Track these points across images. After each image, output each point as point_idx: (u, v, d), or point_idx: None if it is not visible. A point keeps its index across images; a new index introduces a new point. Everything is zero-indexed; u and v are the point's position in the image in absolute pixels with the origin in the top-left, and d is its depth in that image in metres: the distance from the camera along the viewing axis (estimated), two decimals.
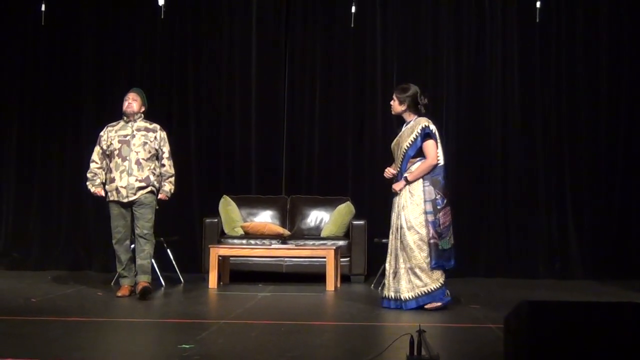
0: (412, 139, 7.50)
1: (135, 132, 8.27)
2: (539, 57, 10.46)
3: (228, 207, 10.15)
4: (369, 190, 10.41)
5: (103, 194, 8.32)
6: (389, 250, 7.55)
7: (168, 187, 8.43)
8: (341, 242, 9.64)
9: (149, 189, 8.24)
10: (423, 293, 7.36)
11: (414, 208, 7.39)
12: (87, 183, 8.40)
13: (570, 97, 10.43)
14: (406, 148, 7.51)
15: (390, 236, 7.54)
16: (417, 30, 10.64)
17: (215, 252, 9.09)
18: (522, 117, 10.47)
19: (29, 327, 6.40)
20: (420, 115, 7.64)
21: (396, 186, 7.51)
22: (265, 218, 10.28)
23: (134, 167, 8.18)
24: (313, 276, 9.34)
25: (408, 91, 7.66)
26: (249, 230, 9.86)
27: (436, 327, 6.43)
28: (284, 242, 9.54)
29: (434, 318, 6.93)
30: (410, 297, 7.35)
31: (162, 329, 6.70)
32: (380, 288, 7.99)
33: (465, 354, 5.63)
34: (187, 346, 5.55)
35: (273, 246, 9.37)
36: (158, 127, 8.43)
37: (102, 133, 8.40)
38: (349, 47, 10.68)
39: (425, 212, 7.39)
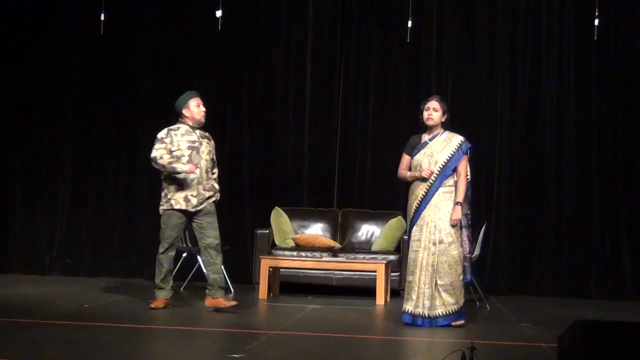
0: (451, 153, 7.40)
1: (201, 140, 8.02)
2: (595, 74, 10.35)
3: (280, 219, 10.18)
4: None
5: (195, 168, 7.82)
6: (419, 266, 7.27)
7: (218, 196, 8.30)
8: (392, 257, 9.61)
9: (214, 197, 8.04)
10: (454, 311, 7.28)
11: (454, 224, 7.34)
12: (174, 167, 7.76)
13: (627, 116, 10.30)
14: (445, 162, 7.37)
15: (423, 252, 7.27)
16: (473, 45, 10.59)
17: (266, 263, 9.12)
18: (577, 134, 10.36)
19: (81, 333, 6.47)
20: (445, 129, 7.57)
21: (457, 216, 7.28)
22: (317, 230, 10.29)
23: (204, 175, 7.93)
24: (363, 290, 9.32)
25: (446, 103, 7.62)
26: (300, 242, 9.87)
27: (487, 345, 6.37)
28: (334, 255, 9.54)
29: (483, 335, 6.87)
30: (442, 314, 7.24)
31: (212, 338, 6.72)
32: (404, 304, 7.42)
33: None
34: (237, 356, 5.56)
35: (324, 259, 9.37)
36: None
37: (163, 135, 7.93)
38: (404, 61, 10.67)
39: (461, 227, 7.35)
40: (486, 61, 10.54)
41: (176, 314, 7.79)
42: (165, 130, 7.98)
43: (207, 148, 8.02)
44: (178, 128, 8.00)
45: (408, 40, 10.31)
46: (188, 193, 7.84)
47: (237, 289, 9.53)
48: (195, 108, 8.02)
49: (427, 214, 7.34)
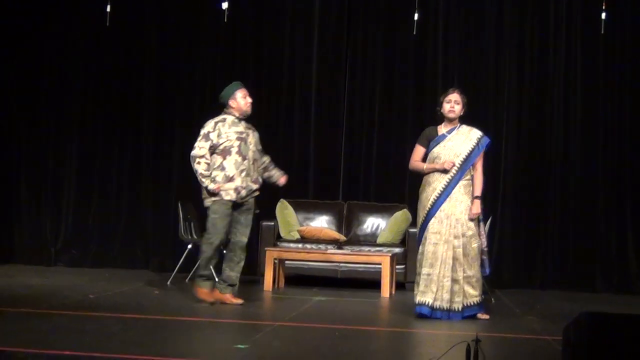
0: (472, 147, 7.39)
1: (247, 130, 7.88)
2: (602, 68, 10.33)
3: (285, 211, 10.19)
4: None
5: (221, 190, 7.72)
6: (439, 259, 7.22)
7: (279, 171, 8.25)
8: (397, 249, 9.61)
9: (257, 192, 7.97)
10: (475, 303, 7.29)
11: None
12: (204, 180, 7.68)
13: (634, 110, 10.28)
14: (467, 155, 7.35)
15: (444, 245, 7.24)
16: (479, 39, 10.58)
17: (271, 255, 9.13)
18: (583, 128, 10.34)
19: (87, 323, 6.48)
20: (461, 122, 7.55)
21: (477, 210, 7.31)
22: (322, 223, 10.29)
23: (252, 167, 7.84)
24: (368, 282, 9.33)
25: (466, 96, 7.60)
26: (305, 234, 9.88)
27: (492, 338, 6.37)
28: (339, 248, 9.54)
29: (488, 328, 6.86)
30: (462, 308, 7.24)
31: (218, 328, 6.73)
32: (421, 296, 7.30)
33: None
34: (243, 346, 5.57)
35: (329, 251, 9.37)
36: None
37: (209, 128, 7.74)
38: (411, 54, 10.66)
39: (479, 221, 7.37)
40: (493, 54, 10.52)
41: (181, 305, 7.79)
42: (212, 124, 7.79)
43: (253, 139, 7.91)
44: (224, 119, 7.82)
45: (414, 33, 10.30)
46: (238, 184, 7.72)
47: (242, 281, 9.49)
48: (241, 99, 7.86)
49: (447, 207, 7.28)
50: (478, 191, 7.38)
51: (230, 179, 7.70)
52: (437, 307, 7.22)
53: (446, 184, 7.32)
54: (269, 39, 10.90)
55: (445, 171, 7.32)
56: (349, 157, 10.76)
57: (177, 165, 10.76)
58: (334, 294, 8.89)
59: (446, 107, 7.47)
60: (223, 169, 7.71)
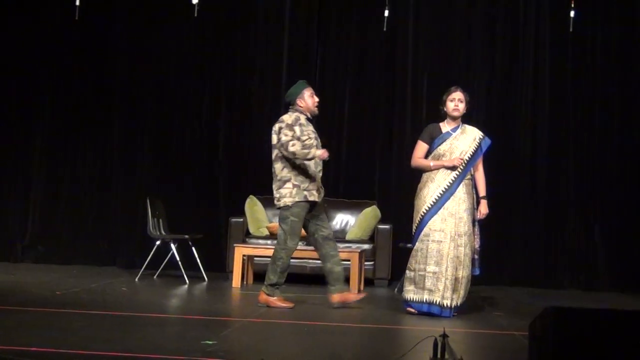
0: (475, 147, 7.42)
1: (314, 130, 7.68)
2: (571, 66, 10.40)
3: (254, 207, 10.16)
4: (396, 194, 10.39)
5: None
6: (445, 257, 7.16)
7: None
8: (366, 246, 9.62)
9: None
10: (462, 303, 7.33)
11: (469, 217, 7.34)
12: (308, 151, 7.35)
13: (602, 107, 10.36)
14: (472, 154, 7.38)
15: (450, 243, 7.18)
16: (449, 35, 10.62)
17: (240, 252, 9.11)
18: (551, 125, 10.41)
19: (53, 319, 6.43)
20: (462, 120, 7.55)
21: (486, 210, 7.40)
22: None
23: (321, 165, 7.70)
24: None
25: (468, 94, 7.59)
26: (274, 230, 9.83)
27: (460, 333, 6.40)
28: (308, 244, 9.51)
29: (457, 324, 6.89)
30: (456, 305, 7.25)
31: (185, 325, 6.69)
32: (429, 295, 7.24)
33: None
34: (210, 342, 5.55)
35: (298, 247, 9.32)
36: None
37: (291, 121, 7.49)
38: (381, 51, 10.68)
39: (474, 221, 7.40)
40: (463, 50, 10.57)
41: (149, 301, 7.76)
42: (293, 118, 7.55)
43: (318, 139, 7.74)
44: (297, 118, 7.58)
45: (385, 29, 10.32)
46: (319, 185, 7.58)
47: (210, 277, 9.51)
48: (309, 99, 7.65)
49: (450, 205, 7.25)
50: (483, 191, 7.45)
51: (312, 179, 7.54)
52: (445, 305, 7.19)
53: (451, 181, 7.30)
54: (239, 33, 10.86)
55: (452, 168, 7.31)
56: None
57: (146, 161, 10.72)
58: (303, 290, 8.88)
59: (450, 106, 7.45)
60: (307, 167, 7.50)
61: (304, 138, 7.47)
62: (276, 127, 7.57)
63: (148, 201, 9.56)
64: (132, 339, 5.77)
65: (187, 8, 10.26)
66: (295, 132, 7.46)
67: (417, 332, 6.26)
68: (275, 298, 7.53)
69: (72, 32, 10.82)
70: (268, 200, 10.24)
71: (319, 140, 7.69)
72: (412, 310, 7.28)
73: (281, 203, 7.52)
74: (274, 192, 7.59)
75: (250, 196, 10.23)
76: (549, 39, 10.44)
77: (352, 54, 10.76)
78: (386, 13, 10.21)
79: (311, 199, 7.47)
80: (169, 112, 10.82)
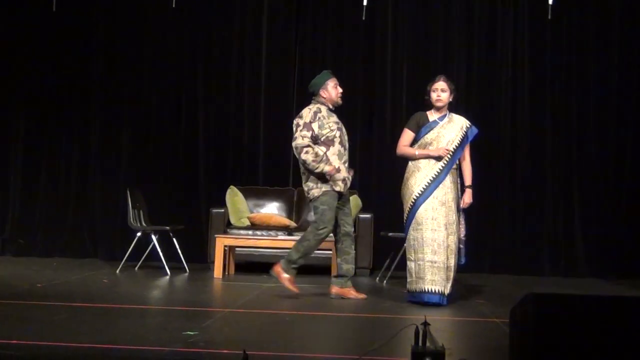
0: (462, 136, 7.44)
1: (339, 120, 7.68)
2: (550, 54, 10.43)
3: (235, 198, 10.14)
4: (376, 184, 10.41)
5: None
6: (443, 246, 7.16)
7: None
8: None
9: (350, 181, 7.71)
10: (450, 291, 7.32)
11: (456, 205, 7.35)
12: (318, 165, 7.38)
13: (580, 95, 10.40)
14: (459, 143, 7.40)
15: (444, 231, 7.19)
16: (428, 24, 10.62)
17: (221, 242, 9.11)
18: (531, 114, 10.45)
19: (34, 312, 6.42)
20: (449, 109, 7.55)
21: (470, 199, 7.43)
22: (272, 209, 10.27)
23: (348, 157, 7.70)
24: (318, 268, 9.32)
25: (453, 82, 7.59)
26: (255, 221, 9.85)
27: (442, 321, 6.42)
28: (290, 234, 9.52)
29: (439, 312, 6.92)
30: (447, 293, 7.26)
31: (166, 316, 6.69)
32: (431, 285, 7.22)
33: (471, 347, 5.62)
34: (192, 333, 5.55)
35: (279, 237, 9.36)
36: None
37: (309, 118, 7.47)
38: (360, 40, 10.67)
39: (458, 210, 7.42)
40: (441, 38, 10.58)
41: (131, 293, 7.74)
42: (310, 114, 7.52)
43: (344, 130, 7.72)
44: (319, 109, 7.56)
45: (364, 18, 10.32)
46: (345, 175, 7.53)
47: (192, 268, 9.50)
48: (333, 90, 7.65)
49: (439, 194, 7.24)
50: (469, 180, 7.48)
51: (337, 171, 7.49)
52: (438, 291, 7.18)
53: (439, 170, 7.29)
54: (217, 24, 10.82)
55: (438, 158, 7.31)
56: None
57: (125, 152, 10.68)
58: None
59: (433, 96, 7.45)
60: (327, 160, 7.47)
61: (324, 132, 7.45)
62: (295, 122, 7.58)
63: (128, 193, 9.52)
64: (114, 330, 5.76)
65: None
66: (314, 130, 7.44)
67: (398, 321, 6.28)
68: (292, 278, 7.50)
69: (50, 23, 10.75)
70: (248, 191, 10.29)
71: (344, 130, 7.68)
72: (416, 301, 7.24)
73: (310, 195, 7.57)
74: (303, 185, 7.63)
75: (231, 187, 10.22)
76: (527, 26, 10.46)
77: (331, 43, 10.75)
78: (365, 2, 10.21)
79: (336, 189, 7.47)
80: (148, 103, 10.78)
